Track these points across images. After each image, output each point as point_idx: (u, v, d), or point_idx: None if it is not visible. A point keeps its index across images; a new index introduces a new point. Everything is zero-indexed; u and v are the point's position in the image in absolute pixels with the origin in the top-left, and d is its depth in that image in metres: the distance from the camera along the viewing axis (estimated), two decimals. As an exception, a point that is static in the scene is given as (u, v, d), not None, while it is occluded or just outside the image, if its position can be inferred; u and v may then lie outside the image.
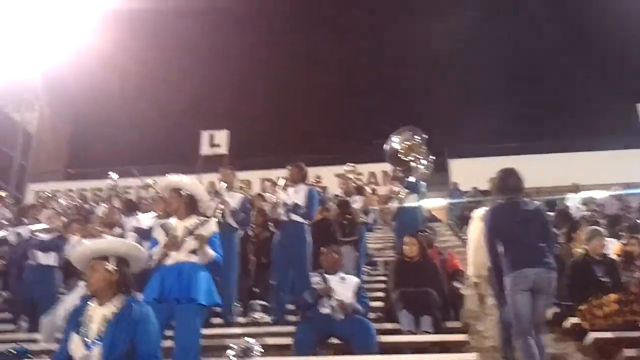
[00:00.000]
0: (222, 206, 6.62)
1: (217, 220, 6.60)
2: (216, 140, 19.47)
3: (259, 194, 11.45)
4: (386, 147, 8.34)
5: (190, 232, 4.55)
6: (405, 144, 8.12)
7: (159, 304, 4.25)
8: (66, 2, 20.16)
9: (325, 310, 5.30)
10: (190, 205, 4.74)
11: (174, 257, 4.51)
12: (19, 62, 21.17)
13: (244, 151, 20.79)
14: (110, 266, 3.45)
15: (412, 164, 8.29)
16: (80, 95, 24.68)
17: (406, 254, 6.26)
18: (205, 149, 19.74)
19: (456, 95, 26.25)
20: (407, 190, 8.25)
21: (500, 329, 5.49)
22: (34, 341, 6.08)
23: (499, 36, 25.24)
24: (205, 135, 19.73)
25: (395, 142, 8.32)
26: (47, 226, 7.52)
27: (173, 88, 25.09)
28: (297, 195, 6.82)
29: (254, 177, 18.81)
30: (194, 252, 4.53)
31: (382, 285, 7.98)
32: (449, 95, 25.96)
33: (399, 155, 8.14)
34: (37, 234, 7.48)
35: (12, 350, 5.35)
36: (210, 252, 4.55)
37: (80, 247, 3.66)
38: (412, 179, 8.41)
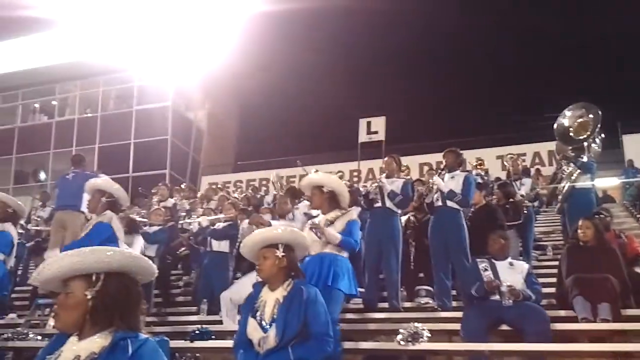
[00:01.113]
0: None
1: (377, 205, 6.78)
2: (374, 127, 19.62)
3: (419, 179, 11.38)
4: (556, 125, 7.87)
5: (330, 223, 4.80)
6: (577, 122, 7.60)
7: None
8: (227, 8, 21.49)
9: (494, 296, 5.16)
10: (332, 200, 4.95)
11: (317, 248, 4.72)
12: (188, 66, 22.89)
13: (401, 136, 20.73)
14: (280, 253, 3.63)
15: (584, 142, 7.77)
16: (244, 92, 26.10)
17: (580, 238, 5.90)
18: (363, 136, 19.98)
19: (629, 67, 24.17)
20: (578, 170, 7.77)
21: None
22: (214, 323, 6.52)
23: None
24: (362, 123, 19.95)
25: (566, 119, 7.84)
26: (222, 216, 8.05)
27: (330, 80, 25.61)
28: (453, 181, 6.71)
29: (412, 162, 18.74)
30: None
31: (553, 271, 7.60)
32: (620, 68, 23.99)
33: (570, 133, 7.64)
34: (213, 223, 8.02)
35: (197, 331, 5.72)
36: (333, 234, 4.71)
37: (250, 237, 3.84)
38: (584, 158, 7.91)
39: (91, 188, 5.56)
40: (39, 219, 10.96)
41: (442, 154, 7.10)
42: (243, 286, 6.45)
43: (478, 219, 6.87)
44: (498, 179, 11.55)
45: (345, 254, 4.83)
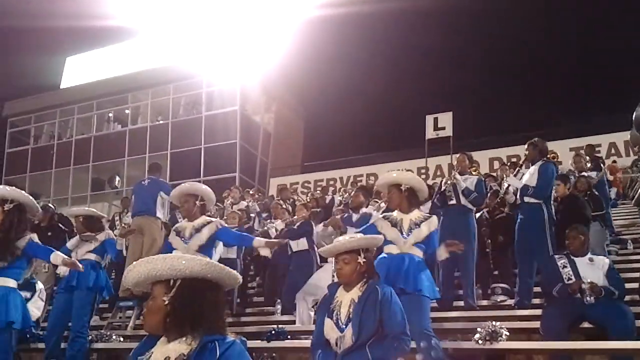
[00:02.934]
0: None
1: (452, 202, 6.70)
2: (441, 123, 19.40)
3: (489, 175, 11.19)
4: (635, 115, 7.57)
5: (416, 225, 4.66)
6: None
7: None
8: (288, 13, 21.82)
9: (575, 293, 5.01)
10: (411, 198, 4.83)
11: (399, 248, 4.63)
12: (253, 70, 23.33)
13: (468, 132, 20.43)
14: (361, 260, 3.69)
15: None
16: (309, 93, 26.37)
17: (663, 230, 5.67)
18: (429, 133, 19.79)
19: None
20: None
21: None
22: (290, 323, 6.62)
23: None
24: (429, 119, 19.77)
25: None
26: (295, 218, 8.13)
27: (394, 78, 25.53)
28: (531, 174, 6.52)
29: (481, 157, 18.40)
30: (417, 245, 4.63)
31: (635, 265, 7.34)
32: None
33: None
34: (287, 225, 8.10)
35: (273, 332, 5.80)
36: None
37: (334, 245, 3.85)
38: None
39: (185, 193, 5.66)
40: (125, 226, 11.25)
41: (525, 146, 6.83)
42: (319, 280, 6.49)
43: (562, 211, 6.65)
44: (570, 171, 11.19)
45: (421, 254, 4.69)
